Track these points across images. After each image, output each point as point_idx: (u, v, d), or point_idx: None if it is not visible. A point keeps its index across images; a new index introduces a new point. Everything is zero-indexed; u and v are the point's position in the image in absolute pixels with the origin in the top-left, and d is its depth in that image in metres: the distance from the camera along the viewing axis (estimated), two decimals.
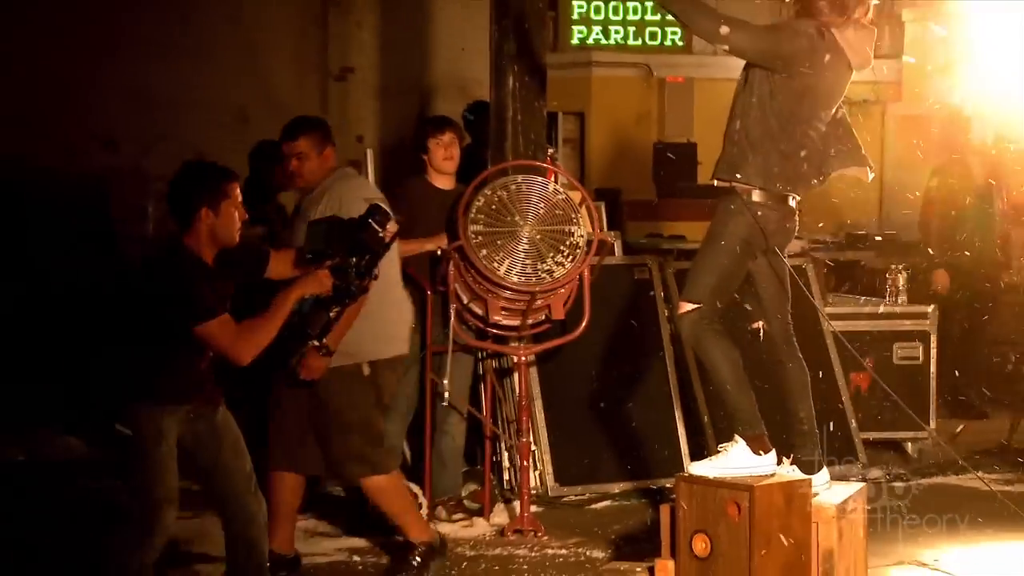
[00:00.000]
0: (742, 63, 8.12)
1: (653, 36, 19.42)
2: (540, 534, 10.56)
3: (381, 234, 7.97)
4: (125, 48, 16.24)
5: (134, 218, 16.48)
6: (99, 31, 15.93)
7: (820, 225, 13.97)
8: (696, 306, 7.99)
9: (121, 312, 8.04)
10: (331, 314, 8.00)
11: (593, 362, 11.77)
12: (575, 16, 19.07)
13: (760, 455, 8.00)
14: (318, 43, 18.02)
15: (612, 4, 19.27)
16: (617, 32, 19.35)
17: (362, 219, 8.06)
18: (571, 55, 18.68)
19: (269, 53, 17.48)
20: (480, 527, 10.91)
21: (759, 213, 7.90)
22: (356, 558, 10.17)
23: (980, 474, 11.94)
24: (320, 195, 9.29)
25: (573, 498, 11.47)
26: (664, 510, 8.19)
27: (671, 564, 8.00)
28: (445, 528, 10.70)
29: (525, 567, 9.86)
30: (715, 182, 8.13)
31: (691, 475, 8.07)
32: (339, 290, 7.91)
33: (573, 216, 10.53)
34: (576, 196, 10.72)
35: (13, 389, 12.67)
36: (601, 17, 19.30)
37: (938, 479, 12.06)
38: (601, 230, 11.32)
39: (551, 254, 10.39)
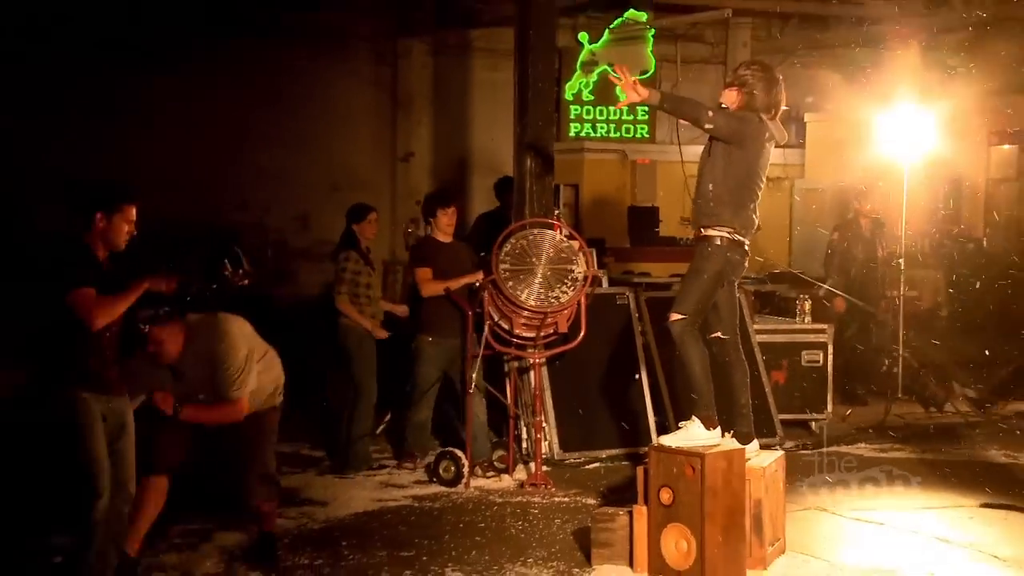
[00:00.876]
0: (694, 150, 8.48)
1: (628, 131, 19.47)
2: (549, 487, 10.57)
3: (227, 273, 7.80)
4: (252, 139, 16.32)
5: (258, 252, 16.53)
6: (236, 128, 15.96)
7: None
8: (683, 316, 8.22)
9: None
10: (161, 311, 7.77)
11: (587, 362, 11.67)
12: (572, 116, 19.09)
13: (710, 430, 8.12)
14: (389, 135, 17.95)
15: (598, 108, 19.29)
16: (602, 128, 19.38)
17: (220, 257, 7.92)
18: (569, 144, 18.64)
19: (353, 141, 17.49)
20: (506, 482, 10.89)
21: (728, 253, 8.23)
22: (417, 504, 10.11)
23: (862, 444, 12.23)
24: None
25: (572, 461, 11.41)
26: (639, 470, 8.27)
27: (645, 509, 8.08)
28: (481, 482, 10.83)
29: (538, 510, 9.83)
30: (701, 230, 8.34)
31: (660, 445, 8.16)
32: (175, 297, 7.66)
33: (574, 258, 10.65)
34: (576, 244, 10.75)
35: None
36: (591, 117, 19.33)
37: (833, 448, 11.95)
38: (593, 268, 11.28)
39: (558, 285, 10.53)
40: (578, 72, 19.15)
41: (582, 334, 10.89)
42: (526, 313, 10.50)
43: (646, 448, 9.99)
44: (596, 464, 11.43)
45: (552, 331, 10.82)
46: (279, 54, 16.67)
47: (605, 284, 12.65)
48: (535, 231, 10.82)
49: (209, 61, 15.51)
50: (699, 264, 8.38)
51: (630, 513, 8.20)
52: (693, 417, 8.22)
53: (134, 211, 7.69)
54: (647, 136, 19.67)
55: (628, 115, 19.48)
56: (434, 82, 18.52)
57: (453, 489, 10.61)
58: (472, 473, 10.88)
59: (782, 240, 18.76)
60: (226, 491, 9.31)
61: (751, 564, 8.06)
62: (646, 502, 8.11)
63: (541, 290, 10.50)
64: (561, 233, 10.84)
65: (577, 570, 8.27)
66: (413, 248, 11.79)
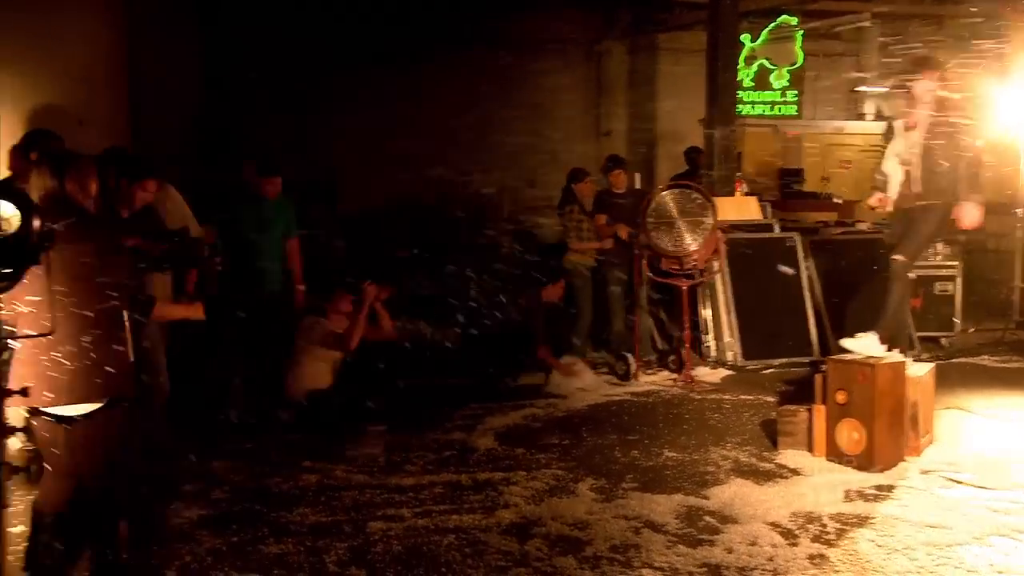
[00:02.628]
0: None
1: (779, 110, 18.98)
2: (694, 383, 10.48)
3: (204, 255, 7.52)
4: (493, 121, 16.36)
5: (496, 207, 16.48)
6: (481, 113, 16.07)
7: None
8: (904, 259, 8.57)
9: None
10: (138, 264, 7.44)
11: (764, 289, 11.50)
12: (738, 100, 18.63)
13: (883, 346, 8.02)
14: (594, 116, 17.96)
15: (757, 92, 18.86)
16: (759, 108, 18.90)
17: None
18: (737, 121, 18.31)
19: (567, 121, 17.54)
20: (663, 375, 10.98)
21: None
22: (634, 399, 10.04)
23: (985, 357, 11.81)
24: None
25: (752, 367, 11.15)
26: (818, 377, 8.01)
27: (823, 407, 7.88)
28: (645, 377, 10.91)
29: (729, 405, 9.65)
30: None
31: (840, 352, 8.19)
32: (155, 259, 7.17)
33: (706, 212, 10.42)
34: (706, 202, 10.56)
35: None
36: (750, 100, 18.85)
37: (960, 360, 11.69)
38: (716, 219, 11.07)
39: (691, 235, 10.36)
40: (741, 64, 18.69)
41: (717, 269, 10.96)
42: (666, 255, 10.45)
43: (809, 359, 10.46)
44: (770, 370, 11.11)
45: (692, 266, 10.61)
46: (513, 56, 16.74)
47: (777, 230, 12.31)
48: (676, 191, 10.57)
49: (463, 64, 15.70)
50: (932, 222, 8.62)
51: (809, 410, 7.99)
52: (874, 332, 8.15)
53: (152, 184, 7.64)
54: (795, 114, 19.18)
55: (780, 97, 19.08)
56: (629, 75, 18.43)
57: (629, 386, 10.53)
58: (638, 370, 10.82)
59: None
60: None
61: (908, 452, 7.85)
62: (824, 401, 7.88)
63: (678, 238, 10.36)
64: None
65: (766, 453, 8.09)
66: (595, 199, 11.68)
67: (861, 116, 19.43)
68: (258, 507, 6.93)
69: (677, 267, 10.50)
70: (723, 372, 10.86)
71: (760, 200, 13.70)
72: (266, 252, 9.43)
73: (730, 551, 6.17)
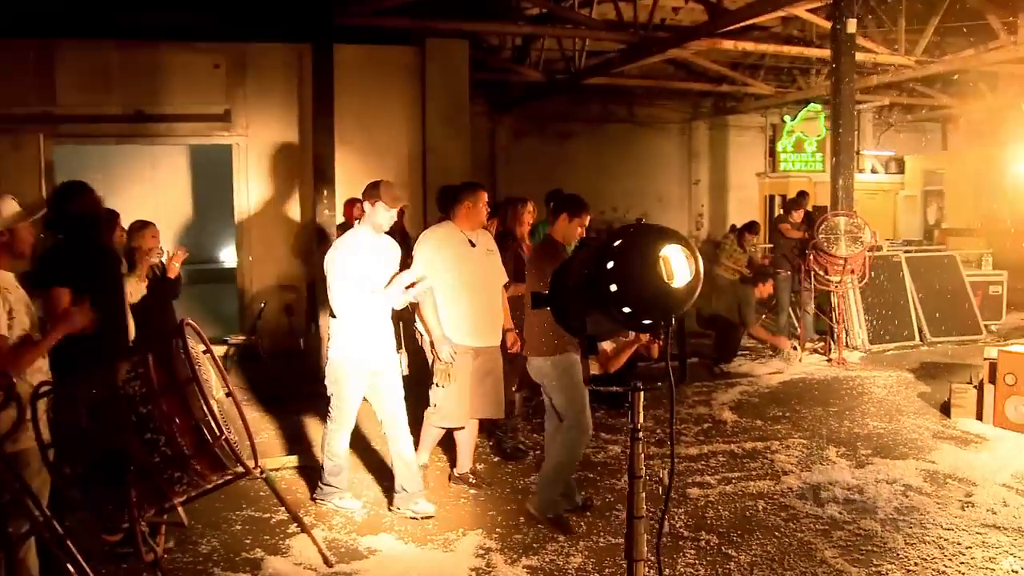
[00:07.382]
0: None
1: (810, 167, 17.17)
2: (845, 364, 8.84)
3: None
4: (618, 175, 15.40)
5: None
6: (610, 168, 15.13)
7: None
8: None
9: None
10: None
11: (878, 292, 9.86)
12: (781, 160, 17.19)
13: None
14: (687, 171, 16.57)
15: (794, 155, 17.23)
16: (797, 165, 17.26)
17: None
18: (780, 173, 17.16)
19: (668, 175, 16.41)
20: (816, 357, 9.20)
21: None
22: (813, 378, 8.47)
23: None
24: None
25: (875, 349, 9.58)
26: (987, 363, 6.54)
27: (992, 386, 6.47)
28: (807, 357, 9.14)
29: (883, 382, 8.13)
30: None
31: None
32: None
33: (862, 231, 8.92)
34: (861, 222, 9.04)
35: None
36: (790, 160, 17.15)
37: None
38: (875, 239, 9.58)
39: (851, 245, 8.87)
40: (784, 135, 17.13)
41: (865, 279, 9.21)
42: (839, 261, 8.89)
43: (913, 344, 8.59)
44: (891, 351, 9.55)
45: (851, 273, 9.05)
46: (635, 131, 15.66)
47: (885, 249, 10.65)
48: (843, 217, 9.06)
49: (604, 137, 14.33)
50: None
51: (978, 387, 6.64)
52: None
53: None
54: (821, 169, 17.46)
55: (811, 158, 17.40)
56: (709, 142, 17.16)
57: (797, 367, 8.74)
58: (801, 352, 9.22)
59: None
60: None
61: None
62: (992, 382, 6.49)
63: (844, 245, 8.87)
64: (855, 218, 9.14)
65: (946, 421, 6.73)
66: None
67: (862, 171, 17.84)
68: (590, 475, 5.56)
69: (838, 276, 8.97)
70: (858, 354, 9.34)
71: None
72: None
73: (993, 512, 4.88)
